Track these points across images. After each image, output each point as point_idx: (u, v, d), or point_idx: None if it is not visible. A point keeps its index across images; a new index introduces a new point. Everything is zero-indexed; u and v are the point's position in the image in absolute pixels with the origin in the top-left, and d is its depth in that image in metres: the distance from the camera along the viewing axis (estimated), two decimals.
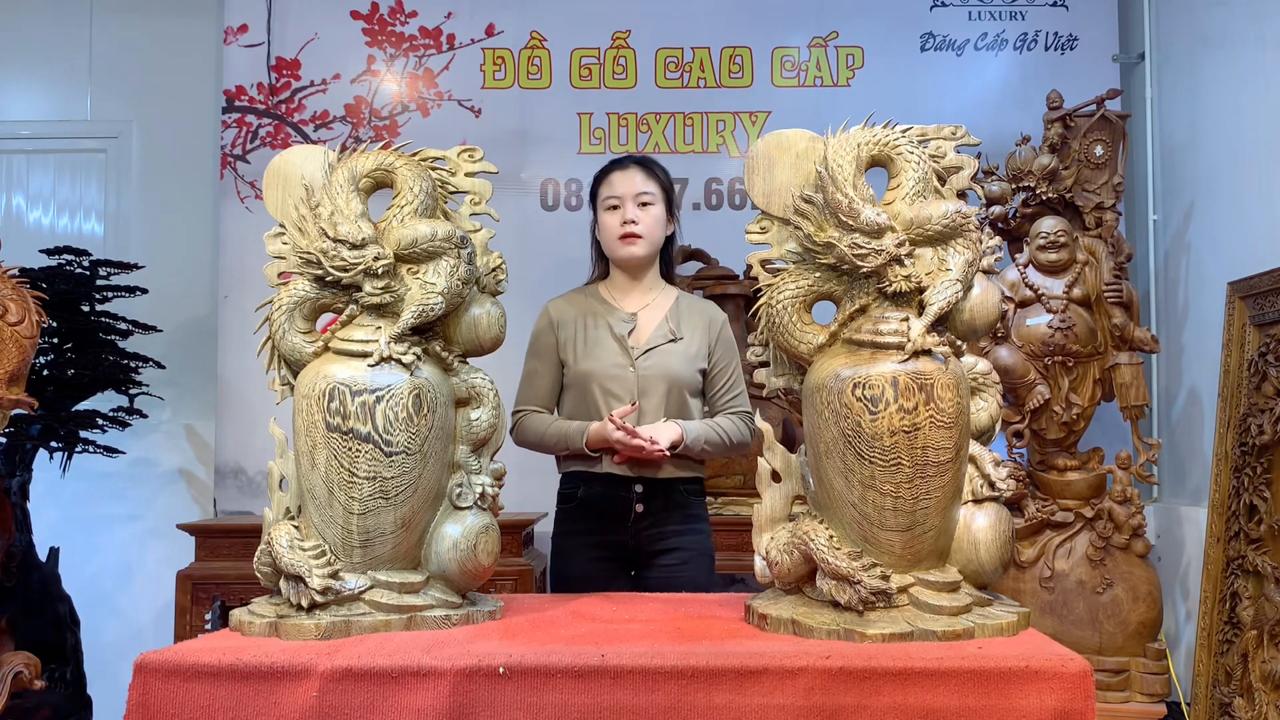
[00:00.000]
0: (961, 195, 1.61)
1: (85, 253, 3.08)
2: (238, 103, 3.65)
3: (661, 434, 2.09)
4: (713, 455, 2.23)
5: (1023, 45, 3.66)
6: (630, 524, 2.18)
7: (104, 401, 3.15)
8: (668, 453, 2.09)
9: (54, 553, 2.83)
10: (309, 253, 1.58)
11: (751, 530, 1.63)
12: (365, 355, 1.54)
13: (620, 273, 2.29)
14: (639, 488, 2.18)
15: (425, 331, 1.61)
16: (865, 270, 1.50)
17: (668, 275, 2.34)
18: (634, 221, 2.21)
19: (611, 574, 2.19)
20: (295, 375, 1.62)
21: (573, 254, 3.48)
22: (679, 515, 2.21)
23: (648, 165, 2.27)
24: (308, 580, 1.50)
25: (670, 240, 2.32)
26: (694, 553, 2.21)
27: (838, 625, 1.45)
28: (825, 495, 1.54)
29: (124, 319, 3.11)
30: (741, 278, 3.33)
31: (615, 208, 2.23)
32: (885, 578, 1.47)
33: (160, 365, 3.25)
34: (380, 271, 1.56)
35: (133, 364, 3.13)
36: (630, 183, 2.23)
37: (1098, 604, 2.91)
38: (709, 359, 2.24)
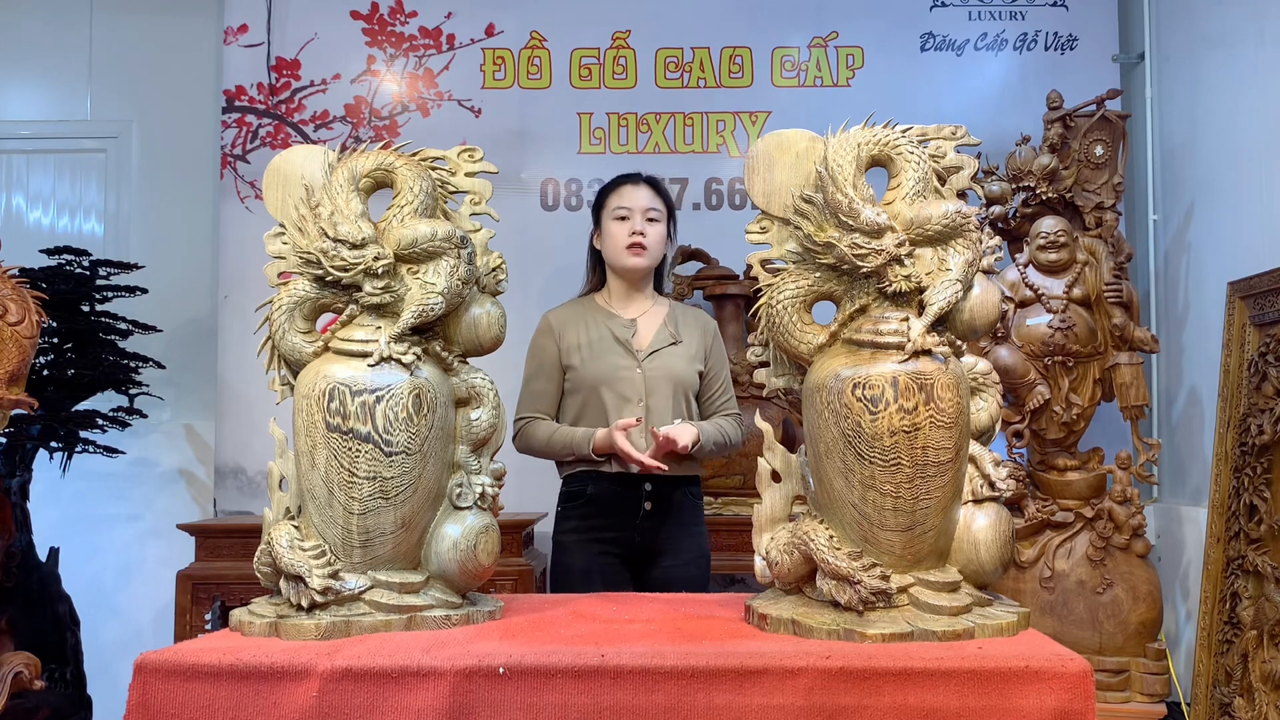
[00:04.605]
0: (961, 195, 1.61)
1: (85, 253, 3.07)
2: (238, 103, 3.65)
3: (682, 434, 2.17)
4: (714, 455, 2.37)
5: (1023, 45, 3.66)
6: (638, 521, 2.27)
7: (104, 401, 3.15)
8: (690, 448, 2.16)
9: (54, 553, 2.82)
10: (309, 253, 1.58)
11: (751, 530, 1.63)
12: (365, 355, 1.54)
13: (619, 282, 2.39)
14: (648, 486, 2.26)
15: (425, 331, 1.61)
16: (865, 270, 1.50)
17: (659, 288, 2.46)
18: (641, 234, 2.31)
19: (614, 569, 2.27)
20: (295, 375, 1.62)
21: (573, 254, 3.47)
22: (685, 517, 2.31)
23: (656, 185, 2.39)
24: (308, 580, 1.50)
25: (664, 258, 2.44)
26: (694, 555, 2.32)
27: (838, 625, 1.45)
28: (825, 495, 1.54)
29: (124, 319, 3.10)
30: (741, 278, 3.32)
31: (624, 219, 2.33)
32: (885, 578, 1.47)
33: (160, 365, 3.25)
34: (380, 271, 1.56)
35: (133, 364, 3.12)
36: (640, 198, 2.34)
37: (1098, 604, 2.91)
38: (705, 362, 2.37)
